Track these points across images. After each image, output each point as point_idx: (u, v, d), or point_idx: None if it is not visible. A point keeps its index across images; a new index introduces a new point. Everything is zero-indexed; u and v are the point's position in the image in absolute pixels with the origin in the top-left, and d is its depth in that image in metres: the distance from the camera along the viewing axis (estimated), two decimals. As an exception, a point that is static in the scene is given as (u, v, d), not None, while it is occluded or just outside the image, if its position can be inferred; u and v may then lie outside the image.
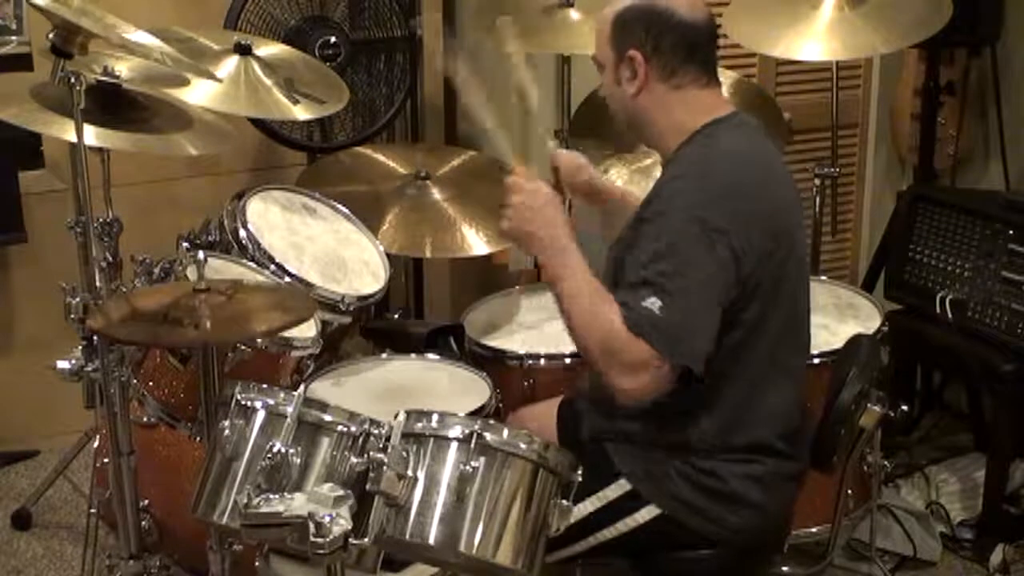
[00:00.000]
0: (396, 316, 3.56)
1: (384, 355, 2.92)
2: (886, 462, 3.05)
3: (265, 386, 2.08)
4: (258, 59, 3.12)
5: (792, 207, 2.28)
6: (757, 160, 2.23)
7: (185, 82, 2.84)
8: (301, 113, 3.09)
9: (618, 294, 2.11)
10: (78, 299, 2.48)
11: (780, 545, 2.38)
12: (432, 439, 1.98)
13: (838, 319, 3.03)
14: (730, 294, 2.10)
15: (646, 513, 2.21)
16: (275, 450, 1.98)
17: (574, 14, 3.40)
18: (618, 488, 2.22)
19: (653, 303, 2.03)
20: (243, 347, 2.53)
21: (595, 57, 2.28)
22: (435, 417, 2.00)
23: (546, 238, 2.20)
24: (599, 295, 2.12)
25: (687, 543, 2.22)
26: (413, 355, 2.91)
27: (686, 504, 2.20)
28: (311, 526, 1.83)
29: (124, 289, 2.70)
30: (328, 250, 2.93)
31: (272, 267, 2.74)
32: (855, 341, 2.50)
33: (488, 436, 1.97)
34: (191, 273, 2.44)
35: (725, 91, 2.68)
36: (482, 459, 1.96)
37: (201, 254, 2.29)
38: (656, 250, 2.08)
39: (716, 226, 2.07)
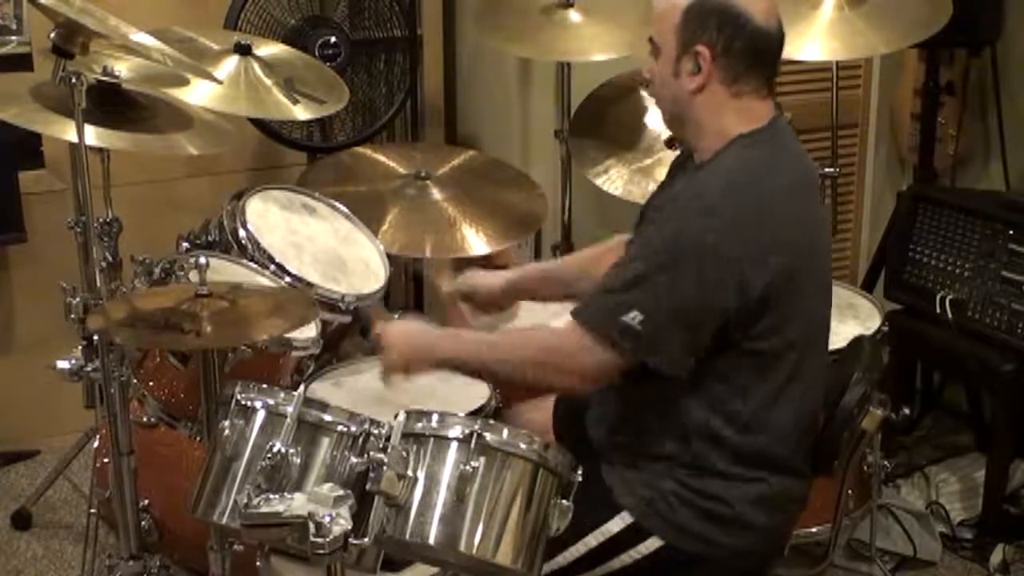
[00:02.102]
0: (396, 316, 3.55)
1: (384, 355, 2.91)
2: (886, 462, 3.05)
3: (265, 386, 2.08)
4: (258, 59, 3.12)
5: (816, 222, 2.24)
6: (787, 176, 2.17)
7: (185, 82, 2.84)
8: (301, 113, 3.09)
9: (606, 280, 2.12)
10: (78, 299, 2.48)
11: (781, 552, 2.36)
12: (432, 439, 1.98)
13: (838, 319, 3.00)
14: (729, 313, 2.05)
15: (650, 544, 2.17)
16: (275, 450, 1.97)
17: (574, 15, 3.39)
18: (620, 521, 2.19)
19: (634, 318, 2.03)
20: (244, 347, 2.53)
21: (652, 39, 2.18)
22: (435, 417, 2.00)
23: (427, 350, 2.26)
24: (513, 336, 2.28)
25: (688, 563, 2.19)
26: (413, 355, 2.91)
27: (689, 532, 2.16)
28: (311, 526, 1.82)
29: (124, 289, 2.70)
30: (328, 250, 2.93)
31: (272, 267, 2.74)
32: (857, 343, 2.48)
33: (488, 436, 1.97)
34: (193, 277, 2.43)
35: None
36: (482, 459, 1.96)
37: (203, 259, 2.28)
38: (659, 248, 2.07)
39: (728, 254, 2.03)
